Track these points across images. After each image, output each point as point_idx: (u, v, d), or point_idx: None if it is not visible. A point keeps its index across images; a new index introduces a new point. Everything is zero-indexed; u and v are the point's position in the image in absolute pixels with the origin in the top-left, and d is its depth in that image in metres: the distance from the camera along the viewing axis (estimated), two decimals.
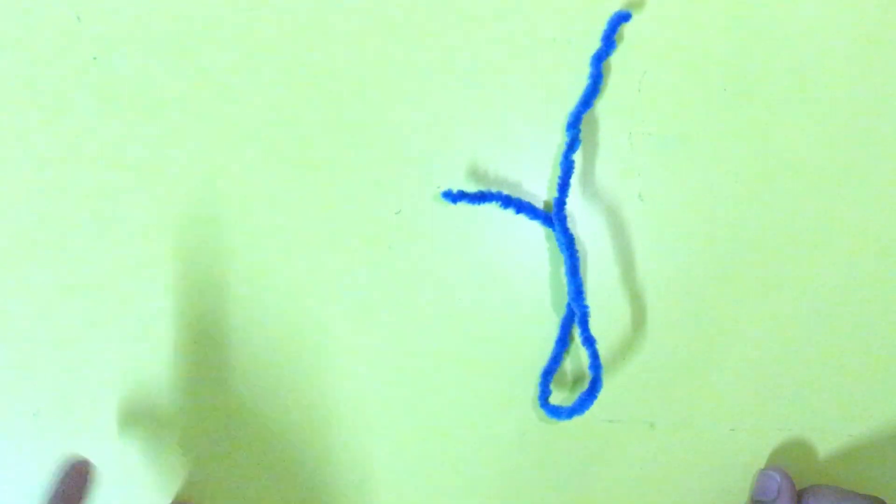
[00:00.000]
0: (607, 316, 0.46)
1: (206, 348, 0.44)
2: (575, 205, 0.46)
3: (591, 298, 0.45)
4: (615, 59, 0.46)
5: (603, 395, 0.45)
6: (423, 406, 0.45)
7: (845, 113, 0.47)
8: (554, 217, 0.45)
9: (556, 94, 0.46)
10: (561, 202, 0.45)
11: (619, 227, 0.46)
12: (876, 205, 0.47)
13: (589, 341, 0.43)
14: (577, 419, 0.45)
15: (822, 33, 0.47)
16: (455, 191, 0.44)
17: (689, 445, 0.46)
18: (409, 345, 0.45)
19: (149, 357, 0.44)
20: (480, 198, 0.44)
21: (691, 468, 0.46)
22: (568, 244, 0.44)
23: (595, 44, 0.45)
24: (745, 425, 0.46)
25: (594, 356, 0.43)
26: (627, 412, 0.46)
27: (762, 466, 0.46)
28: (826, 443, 0.46)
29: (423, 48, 0.45)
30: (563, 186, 0.45)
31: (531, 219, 0.45)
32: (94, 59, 0.44)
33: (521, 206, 0.45)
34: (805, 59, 0.47)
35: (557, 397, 0.46)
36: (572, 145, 0.44)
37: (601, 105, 0.46)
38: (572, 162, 0.44)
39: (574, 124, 0.45)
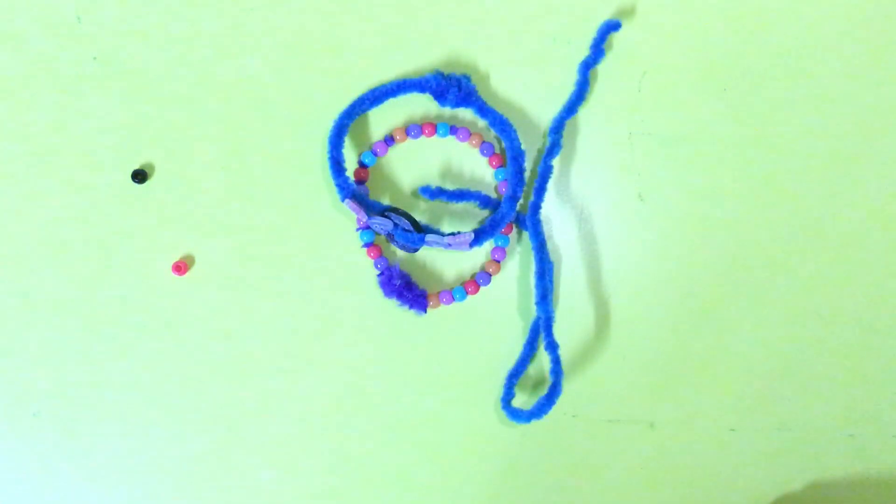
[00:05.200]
0: (607, 316, 0.46)
1: (204, 348, 0.44)
2: (574, 204, 0.46)
3: (591, 298, 0.46)
4: (615, 60, 0.46)
5: (603, 395, 0.46)
6: (423, 405, 0.45)
7: (845, 113, 0.47)
8: (528, 220, 0.44)
9: (549, 98, 0.46)
10: (536, 205, 0.44)
11: (619, 227, 0.46)
12: (876, 204, 0.47)
13: (552, 346, 0.43)
14: (578, 419, 0.45)
15: (822, 33, 0.47)
16: (433, 187, 0.44)
17: (689, 445, 0.46)
18: (409, 343, 0.45)
19: (149, 358, 0.44)
20: (458, 196, 0.44)
21: (691, 468, 0.46)
22: (539, 248, 0.44)
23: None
24: (745, 425, 0.46)
25: (556, 361, 0.43)
26: (627, 412, 0.46)
27: (762, 466, 0.46)
28: (826, 443, 0.46)
29: (423, 51, 0.45)
30: (540, 190, 0.44)
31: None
32: (94, 59, 0.44)
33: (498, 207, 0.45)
34: (805, 59, 0.47)
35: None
36: (552, 150, 0.44)
37: (601, 105, 0.46)
38: (550, 167, 0.44)
39: (556, 129, 0.45)
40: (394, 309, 0.45)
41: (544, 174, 0.44)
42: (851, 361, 0.47)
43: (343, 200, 0.43)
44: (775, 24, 0.46)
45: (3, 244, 0.44)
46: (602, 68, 0.46)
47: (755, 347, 0.46)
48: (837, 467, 0.46)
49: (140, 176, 0.44)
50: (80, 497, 0.44)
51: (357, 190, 0.44)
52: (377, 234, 0.44)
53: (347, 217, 0.45)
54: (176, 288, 0.44)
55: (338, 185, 0.43)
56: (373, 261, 0.45)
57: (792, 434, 0.46)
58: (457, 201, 0.45)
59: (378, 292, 0.45)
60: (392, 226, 0.42)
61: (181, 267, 0.44)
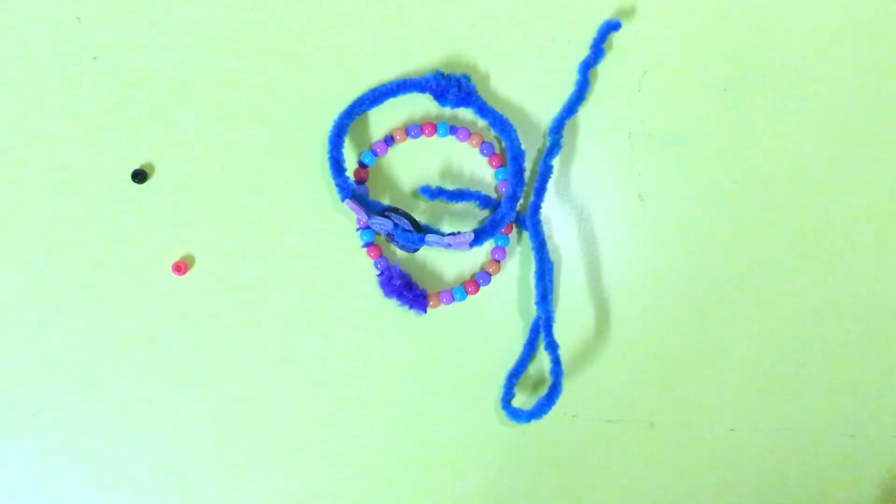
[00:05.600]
0: (607, 316, 0.46)
1: (204, 348, 0.44)
2: (574, 204, 0.46)
3: (591, 297, 0.45)
4: (615, 60, 0.46)
5: (603, 395, 0.46)
6: (423, 405, 0.45)
7: (845, 113, 0.47)
8: (528, 220, 0.44)
9: (549, 98, 0.46)
10: (536, 205, 0.44)
11: (619, 227, 0.46)
12: (875, 205, 0.47)
13: (552, 346, 0.43)
14: (578, 419, 0.45)
15: (822, 33, 0.47)
16: (433, 187, 0.44)
17: (689, 445, 0.46)
18: (409, 343, 0.45)
19: (149, 358, 0.44)
20: (458, 196, 0.44)
21: (691, 468, 0.46)
22: (539, 248, 0.44)
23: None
24: (745, 425, 0.46)
25: (556, 361, 0.43)
26: (627, 412, 0.46)
27: (762, 466, 0.46)
28: (826, 443, 0.46)
29: (423, 51, 0.45)
30: (540, 190, 0.44)
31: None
32: (94, 59, 0.44)
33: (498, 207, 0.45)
34: (805, 60, 0.47)
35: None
36: (552, 150, 0.44)
37: (601, 105, 0.46)
38: (550, 167, 0.44)
39: (556, 129, 0.45)
40: (394, 309, 0.45)
41: (544, 174, 0.44)
42: (851, 361, 0.47)
43: (343, 200, 0.43)
44: (775, 24, 0.46)
45: (3, 244, 0.44)
46: (602, 68, 0.46)
47: (755, 347, 0.46)
48: (837, 467, 0.46)
49: (140, 176, 0.44)
50: (81, 497, 0.44)
51: (357, 190, 0.44)
52: (377, 234, 0.44)
53: (347, 217, 0.45)
54: (176, 288, 0.44)
55: (338, 185, 0.43)
56: (373, 261, 0.45)
57: (792, 434, 0.46)
58: (457, 201, 0.45)
59: (378, 292, 0.45)
60: (392, 226, 0.42)
61: (181, 267, 0.44)
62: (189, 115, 0.45)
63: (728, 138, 0.46)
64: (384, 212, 0.43)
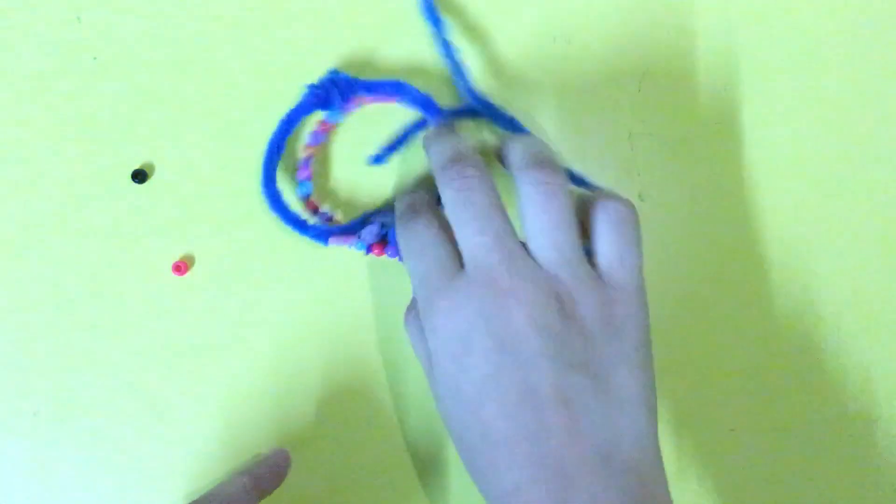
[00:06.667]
0: None
1: (205, 348, 0.44)
2: None
3: None
4: (615, 60, 0.46)
5: None
6: (427, 403, 0.45)
7: (846, 113, 0.47)
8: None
9: (549, 96, 0.46)
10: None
11: None
12: (877, 204, 0.47)
13: None
14: None
15: (822, 33, 0.47)
16: (377, 152, 0.44)
17: (689, 445, 0.46)
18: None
19: (149, 358, 0.44)
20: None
21: (691, 468, 0.46)
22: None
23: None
24: (745, 425, 0.46)
25: None
26: None
27: (762, 466, 0.46)
28: (826, 443, 0.46)
29: (423, 50, 0.46)
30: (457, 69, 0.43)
31: None
32: (94, 59, 0.44)
33: None
34: (805, 59, 0.47)
35: None
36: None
37: (601, 105, 0.46)
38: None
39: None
40: (398, 308, 0.45)
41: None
42: (851, 361, 0.46)
43: (327, 244, 0.42)
44: (776, 23, 0.46)
45: (2, 244, 0.44)
46: (602, 68, 0.46)
47: (755, 347, 0.46)
48: (837, 467, 0.46)
49: (140, 176, 0.44)
50: (81, 497, 0.44)
51: (326, 224, 0.43)
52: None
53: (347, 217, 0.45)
54: (176, 288, 0.44)
55: (314, 237, 0.43)
56: (378, 257, 0.44)
57: (792, 434, 0.46)
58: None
59: (378, 292, 0.45)
60: (379, 226, 0.42)
61: (181, 267, 0.44)
62: (189, 114, 0.45)
63: (728, 138, 0.46)
64: (366, 219, 0.42)
